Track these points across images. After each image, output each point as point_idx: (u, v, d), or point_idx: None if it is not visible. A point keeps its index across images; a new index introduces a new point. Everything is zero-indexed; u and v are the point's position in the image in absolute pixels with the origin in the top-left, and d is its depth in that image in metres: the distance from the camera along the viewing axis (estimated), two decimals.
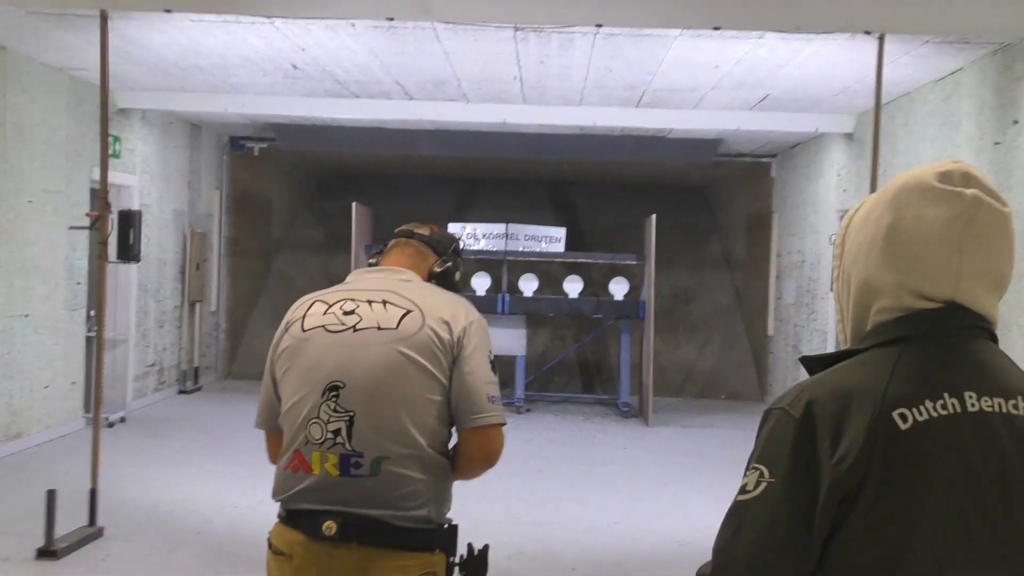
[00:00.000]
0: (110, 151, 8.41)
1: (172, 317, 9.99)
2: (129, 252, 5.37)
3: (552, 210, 13.94)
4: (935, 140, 6.61)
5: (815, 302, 9.43)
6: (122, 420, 8.45)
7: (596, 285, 11.61)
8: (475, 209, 13.70)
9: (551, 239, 10.30)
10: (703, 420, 9.71)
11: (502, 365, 10.46)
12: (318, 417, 2.09)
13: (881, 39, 4.99)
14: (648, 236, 9.83)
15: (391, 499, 2.05)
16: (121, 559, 4.89)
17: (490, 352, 2.16)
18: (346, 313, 2.16)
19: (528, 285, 10.27)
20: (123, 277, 8.77)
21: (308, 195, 14.07)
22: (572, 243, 10.92)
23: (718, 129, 8.81)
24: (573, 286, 10.28)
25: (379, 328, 2.12)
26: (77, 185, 7.82)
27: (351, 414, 2.07)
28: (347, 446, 2.06)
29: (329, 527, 2.03)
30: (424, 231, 2.40)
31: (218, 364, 11.44)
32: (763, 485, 1.30)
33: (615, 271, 11.04)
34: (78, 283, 7.92)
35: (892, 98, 7.33)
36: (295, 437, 2.12)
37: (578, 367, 11.92)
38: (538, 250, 10.30)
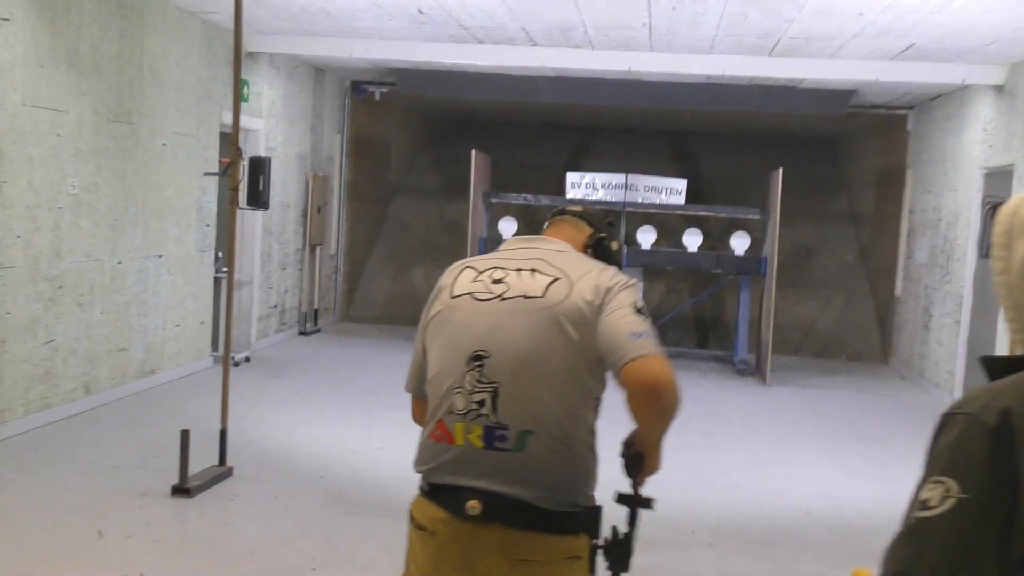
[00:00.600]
0: (240, 95, 8.55)
1: (294, 260, 10.18)
2: (259, 199, 5.43)
3: (671, 161, 13.63)
4: None
5: (950, 263, 8.99)
6: (247, 360, 8.68)
7: (715, 239, 11.33)
8: (592, 158, 13.50)
9: (671, 191, 10.07)
10: (822, 381, 9.42)
11: None
12: (462, 387, 2.03)
13: None
14: (773, 190, 9.50)
15: (537, 478, 1.98)
16: (249, 500, 5.01)
17: (636, 303, 2.04)
18: (495, 281, 2.10)
19: (646, 237, 10.09)
20: (248, 220, 8.95)
21: (425, 140, 14.09)
22: (691, 195, 10.64)
23: (855, 80, 8.39)
24: (692, 239, 10.05)
25: (526, 297, 2.05)
26: (207, 128, 7.96)
27: (496, 385, 2.00)
28: (492, 418, 2.00)
29: (473, 507, 1.97)
30: (576, 208, 2.38)
31: (336, 306, 11.64)
32: (951, 501, 1.17)
33: (736, 225, 10.75)
34: (208, 225, 8.11)
35: None
36: (439, 406, 2.07)
37: (693, 322, 11.71)
38: (658, 202, 10.08)
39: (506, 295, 2.07)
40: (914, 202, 10.40)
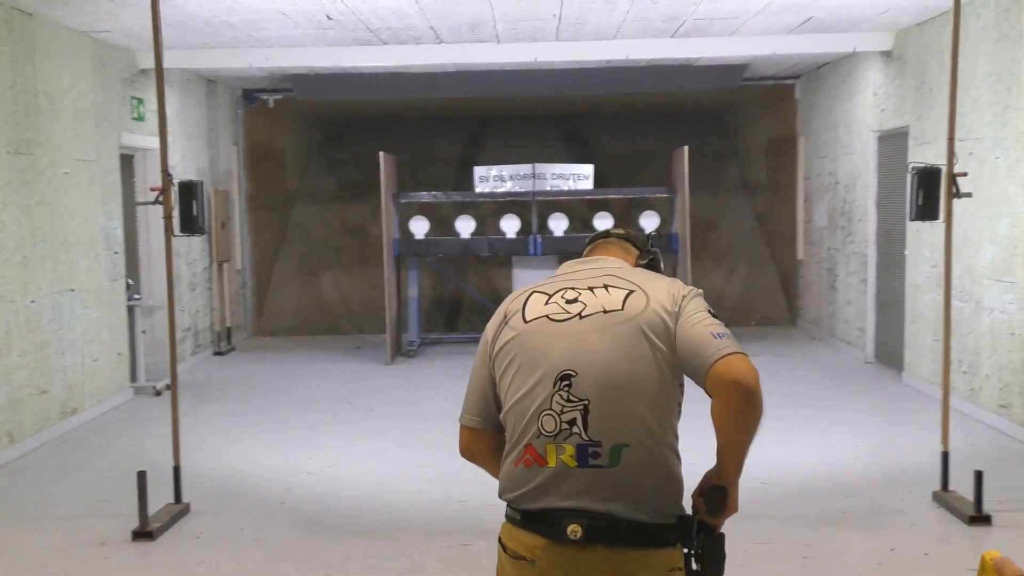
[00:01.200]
0: (134, 114, 8.24)
1: (202, 279, 9.88)
2: (193, 224, 5.24)
3: (568, 144, 13.76)
4: (991, 56, 6.46)
5: (851, 225, 9.36)
6: (167, 387, 8.37)
7: (624, 219, 11.50)
8: (490, 148, 13.50)
9: (579, 176, 10.16)
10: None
11: None
12: (550, 408, 2.01)
13: None
14: (679, 167, 9.70)
15: (634, 492, 1.98)
16: (215, 535, 4.85)
17: (709, 308, 2.07)
18: (569, 301, 2.10)
19: (558, 224, 10.16)
20: (156, 243, 8.63)
21: (317, 143, 13.83)
22: (595, 178, 10.76)
23: (752, 55, 8.62)
24: (603, 223, 10.16)
25: (605, 312, 2.06)
26: (108, 152, 7.64)
27: (585, 402, 1.99)
28: (584, 435, 1.99)
29: (574, 531, 1.96)
30: (619, 231, 2.41)
31: (247, 322, 11.35)
32: None
33: (643, 204, 10.94)
34: (116, 252, 7.79)
35: (939, 12, 7.16)
36: (525, 431, 2.04)
37: None
38: (566, 188, 10.16)
39: (584, 313, 2.07)
40: (808, 168, 10.78)
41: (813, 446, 6.23)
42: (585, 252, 2.37)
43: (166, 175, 4.96)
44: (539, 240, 9.88)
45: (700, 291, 2.13)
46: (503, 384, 2.11)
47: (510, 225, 10.13)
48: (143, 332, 8.38)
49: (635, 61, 9.01)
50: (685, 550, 2.05)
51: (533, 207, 10.12)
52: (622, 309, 2.05)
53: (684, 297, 2.08)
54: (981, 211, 6.43)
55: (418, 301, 10.45)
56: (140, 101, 8.32)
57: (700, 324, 2.01)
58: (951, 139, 4.85)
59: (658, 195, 10.30)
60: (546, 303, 2.12)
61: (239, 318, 11.10)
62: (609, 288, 2.11)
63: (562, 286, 2.15)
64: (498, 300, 11.79)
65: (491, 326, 2.20)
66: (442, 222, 11.25)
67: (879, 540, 4.56)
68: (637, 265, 2.31)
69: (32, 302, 6.47)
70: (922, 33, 7.59)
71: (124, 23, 6.90)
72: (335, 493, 5.53)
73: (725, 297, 12.09)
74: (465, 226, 10.15)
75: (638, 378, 2.00)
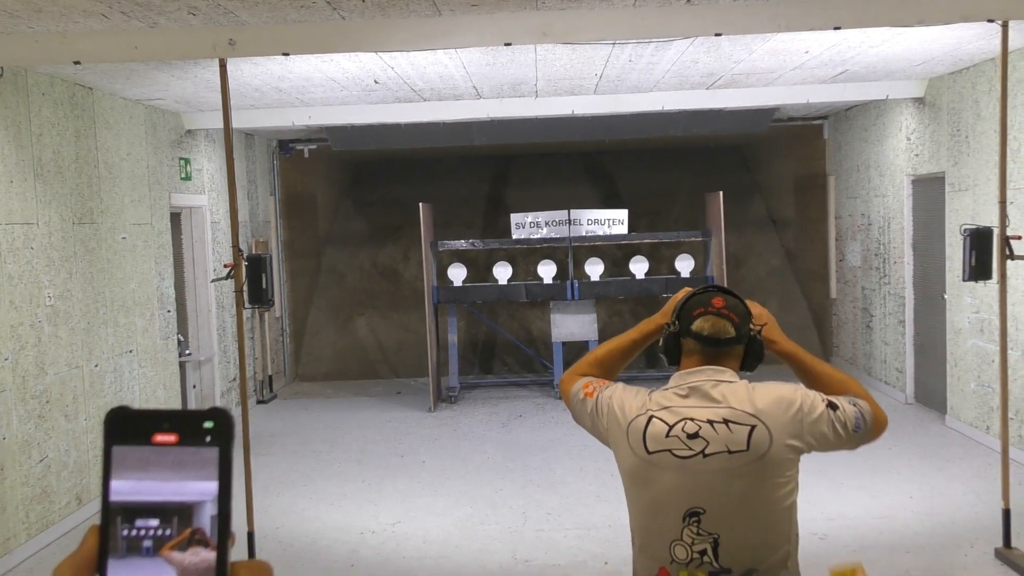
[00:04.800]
0: (182, 174, 8.43)
1: (245, 329, 10.02)
2: (262, 297, 5.39)
3: (594, 182, 13.92)
4: None
5: (886, 266, 9.46)
6: None
7: (656, 259, 11.63)
8: (513, 186, 13.69)
9: (614, 221, 10.30)
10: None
11: (576, 351, 10.58)
12: (681, 540, 2.14)
13: (1004, 26, 4.96)
14: (715, 210, 9.84)
15: None
16: None
17: (832, 417, 2.18)
18: (690, 436, 2.18)
19: (594, 269, 10.29)
20: (202, 297, 8.82)
21: (345, 187, 14.03)
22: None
23: (785, 103, 8.77)
24: (639, 267, 10.29)
25: (729, 452, 2.15)
26: (159, 214, 7.82)
27: (715, 536, 2.12)
28: (715, 564, 2.12)
29: None
30: (719, 301, 2.29)
31: (285, 368, 11.50)
32: None
33: (677, 247, 11.07)
34: (168, 311, 7.96)
35: (972, 63, 7.30)
36: (657, 554, 2.17)
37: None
38: (601, 233, 10.30)
39: (707, 451, 2.16)
40: (839, 207, 10.89)
41: (867, 496, 6.31)
42: (695, 324, 2.28)
43: (237, 251, 5.11)
44: (576, 285, 10.01)
45: (813, 395, 2.22)
46: (631, 502, 2.26)
47: (547, 271, 10.27)
48: (194, 387, 8.54)
49: (672, 111, 9.16)
50: None
51: (570, 252, 10.26)
52: (747, 449, 2.14)
53: (802, 422, 2.17)
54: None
55: (456, 346, 10.58)
56: (187, 161, 8.51)
57: (828, 430, 2.17)
58: (1003, 202, 4.97)
59: (692, 239, 10.41)
60: (667, 435, 2.19)
61: (278, 365, 11.24)
62: (731, 425, 2.17)
63: (682, 416, 2.20)
64: (532, 342, 11.99)
65: (604, 404, 2.33)
66: (476, 265, 11.40)
67: None
68: (744, 357, 2.30)
69: (96, 366, 6.63)
70: (955, 82, 7.73)
71: (177, 91, 7.10)
72: (402, 554, 5.64)
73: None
74: (503, 272, 10.30)
75: (764, 511, 2.13)
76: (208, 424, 0.60)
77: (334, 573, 5.35)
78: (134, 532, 0.59)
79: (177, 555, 0.59)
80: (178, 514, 0.59)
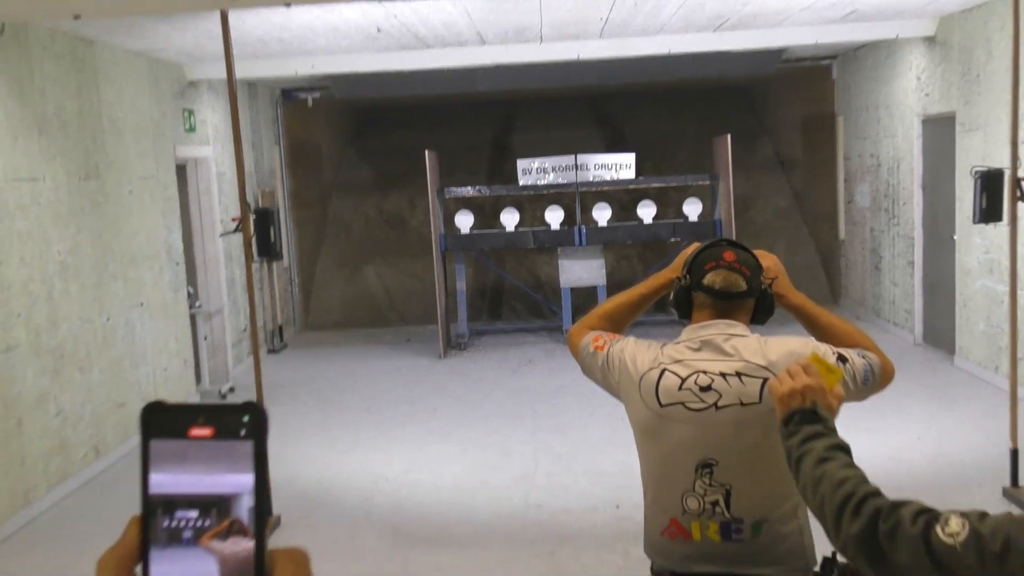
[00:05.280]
0: (186, 126, 8.39)
1: (254, 279, 10.05)
2: (270, 249, 5.39)
3: (600, 126, 13.84)
4: None
5: (896, 207, 9.42)
6: (231, 391, 8.61)
7: (664, 204, 11.59)
8: (522, 131, 13.61)
9: (622, 166, 10.24)
10: (787, 329, 9.79)
11: (584, 296, 10.60)
12: (693, 491, 2.17)
13: None
14: (722, 155, 9.78)
15: (776, 557, 2.14)
16: (311, 548, 5.00)
17: (834, 355, 2.20)
18: (703, 389, 2.18)
19: (602, 214, 10.25)
20: (210, 249, 8.82)
21: (349, 135, 13.96)
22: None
23: (793, 44, 8.66)
24: (647, 211, 10.26)
25: (742, 404, 2.16)
26: (165, 166, 7.80)
27: (727, 487, 2.15)
28: (726, 514, 2.15)
29: None
30: (730, 255, 2.26)
31: (295, 318, 11.55)
32: None
33: (684, 191, 11.02)
34: (177, 263, 7.98)
35: (984, 0, 7.19)
36: (669, 505, 2.20)
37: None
38: (609, 178, 10.25)
39: (720, 403, 2.17)
40: (848, 148, 10.81)
41: (875, 437, 6.35)
42: (706, 278, 2.27)
43: (244, 204, 5.11)
44: (583, 230, 10.00)
45: (834, 352, 2.21)
46: (643, 455, 2.27)
47: (554, 216, 10.24)
48: (205, 338, 8.59)
49: (679, 54, 9.05)
50: None
51: (577, 197, 10.22)
52: (759, 402, 2.15)
53: None
54: None
55: (465, 294, 10.61)
56: (191, 112, 8.47)
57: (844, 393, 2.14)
58: (1014, 142, 4.93)
59: (700, 183, 10.36)
60: (679, 388, 2.20)
61: (288, 314, 11.30)
62: (743, 378, 2.17)
63: (695, 370, 2.21)
64: (540, 288, 12.01)
65: (615, 356, 2.33)
66: (483, 212, 11.38)
67: None
68: (755, 311, 2.29)
69: (107, 320, 6.67)
70: (967, 20, 7.62)
71: (178, 42, 7.04)
72: (416, 500, 5.72)
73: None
74: (510, 219, 10.28)
75: (776, 462, 2.13)
76: (243, 418, 0.62)
77: (349, 520, 5.44)
78: (174, 523, 0.61)
79: (217, 544, 0.61)
80: (216, 505, 0.61)
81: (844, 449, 1.67)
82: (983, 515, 1.33)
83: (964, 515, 1.35)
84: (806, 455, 1.66)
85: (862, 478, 1.54)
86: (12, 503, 5.44)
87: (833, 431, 1.73)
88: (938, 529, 1.35)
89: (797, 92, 12.39)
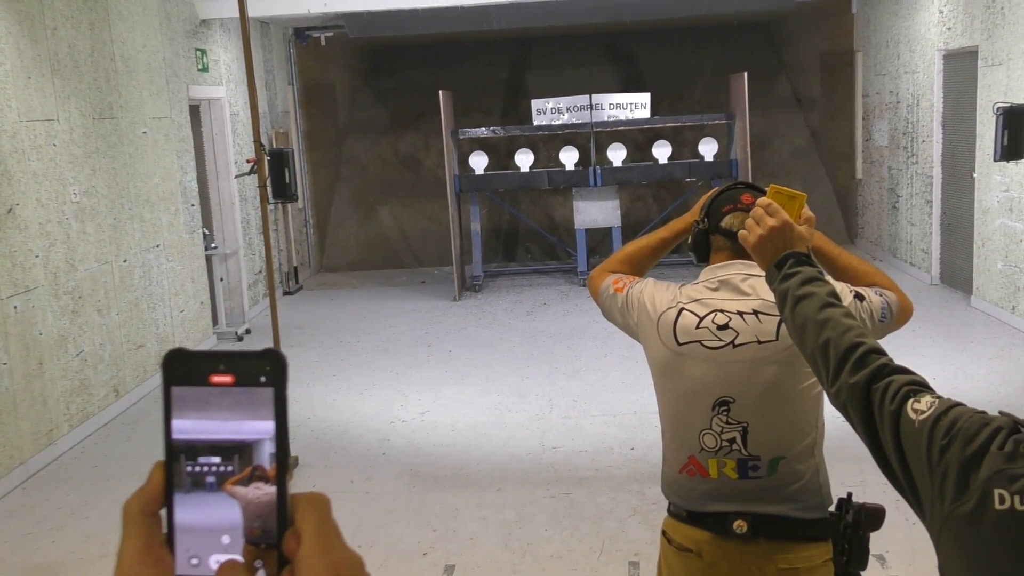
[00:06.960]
0: (199, 65, 8.33)
1: (269, 221, 10.05)
2: (285, 191, 5.38)
3: (615, 63, 13.65)
4: None
5: (914, 145, 9.30)
6: (248, 332, 8.67)
7: (679, 144, 11.48)
8: (536, 70, 13.45)
9: (636, 105, 10.13)
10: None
11: (599, 237, 10.56)
12: (710, 428, 2.18)
13: None
14: (739, 93, 9.65)
15: (792, 495, 2.15)
16: (328, 490, 5.12)
17: (853, 297, 2.17)
18: (720, 327, 2.20)
19: (617, 154, 10.18)
20: (225, 190, 8.82)
21: (363, 75, 13.83)
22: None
23: None
24: (662, 151, 10.17)
25: (759, 342, 2.17)
26: (178, 106, 7.76)
27: (744, 424, 2.16)
28: (743, 451, 2.16)
29: (740, 526, 2.14)
30: (747, 197, 2.27)
31: (310, 259, 11.58)
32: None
33: (700, 130, 10.90)
34: (192, 205, 7.98)
35: None
36: (687, 443, 2.21)
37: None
38: (623, 118, 10.14)
39: (737, 341, 2.18)
40: (867, 85, 10.65)
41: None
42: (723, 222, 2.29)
43: (259, 145, 5.09)
44: (598, 171, 9.93)
45: (851, 291, 2.19)
46: (659, 392, 2.28)
47: (569, 157, 10.17)
48: (221, 279, 8.63)
49: None
50: (834, 544, 2.21)
51: (592, 137, 10.14)
52: (777, 339, 2.15)
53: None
54: None
55: (479, 235, 10.59)
56: (203, 52, 8.40)
57: (862, 313, 2.13)
58: None
59: (717, 122, 10.24)
60: (697, 327, 2.21)
61: (303, 256, 11.32)
62: (760, 316, 2.18)
63: (712, 308, 2.22)
64: (555, 229, 11.98)
65: (634, 297, 2.33)
66: (497, 152, 11.31)
67: None
68: None
69: (124, 262, 6.70)
70: None
71: None
72: (432, 442, 5.78)
73: None
74: (524, 159, 10.21)
75: (792, 399, 2.15)
76: (264, 366, 0.61)
77: (366, 462, 5.50)
78: (197, 468, 0.61)
79: (240, 489, 0.61)
80: (238, 452, 0.61)
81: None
82: (956, 405, 1.32)
83: (938, 399, 1.35)
84: (808, 297, 1.61)
85: (865, 331, 1.54)
86: (36, 442, 5.53)
87: (828, 281, 1.70)
88: (910, 403, 1.35)
89: (816, 28, 12.18)
